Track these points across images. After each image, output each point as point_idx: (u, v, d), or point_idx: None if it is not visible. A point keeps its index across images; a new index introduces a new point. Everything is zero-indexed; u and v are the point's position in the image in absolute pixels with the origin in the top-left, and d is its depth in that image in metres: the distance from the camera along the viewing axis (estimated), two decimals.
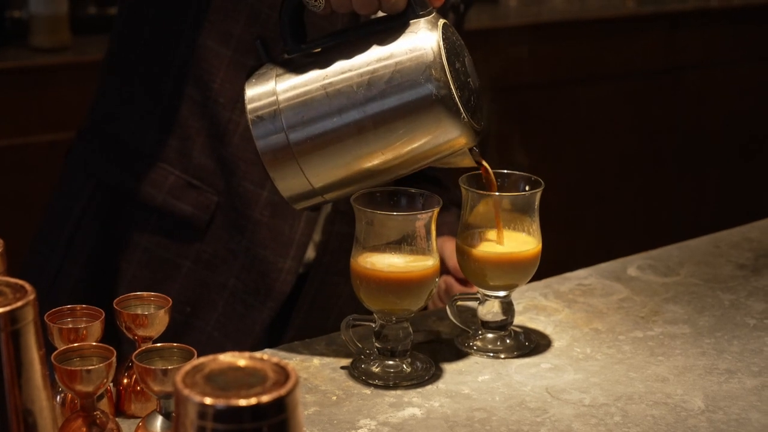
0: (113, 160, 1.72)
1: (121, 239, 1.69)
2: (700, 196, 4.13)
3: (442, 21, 1.31)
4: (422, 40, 1.27)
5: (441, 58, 1.27)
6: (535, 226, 1.42)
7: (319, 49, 1.32)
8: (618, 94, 3.90)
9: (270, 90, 1.31)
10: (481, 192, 1.41)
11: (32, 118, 2.97)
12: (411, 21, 1.29)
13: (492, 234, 1.41)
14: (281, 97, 1.30)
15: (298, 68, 1.31)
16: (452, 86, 1.27)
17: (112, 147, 1.72)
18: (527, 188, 1.43)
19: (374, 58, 1.28)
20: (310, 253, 1.72)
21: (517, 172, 1.45)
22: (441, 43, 1.28)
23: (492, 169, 1.41)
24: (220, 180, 1.66)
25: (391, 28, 1.29)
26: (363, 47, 1.29)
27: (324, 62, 1.30)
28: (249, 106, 1.31)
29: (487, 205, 1.41)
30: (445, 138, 1.29)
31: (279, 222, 1.67)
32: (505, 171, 1.45)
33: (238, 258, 1.67)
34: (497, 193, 1.41)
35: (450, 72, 1.27)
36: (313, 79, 1.30)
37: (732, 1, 4.25)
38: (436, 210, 1.31)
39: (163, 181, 1.67)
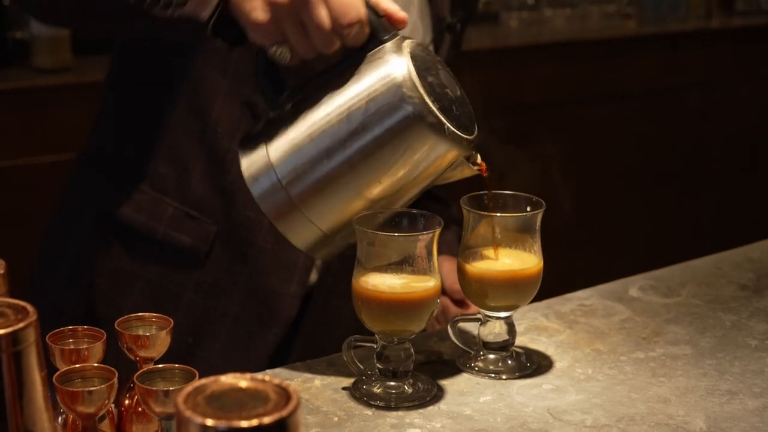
0: (113, 193, 1.71)
1: (122, 270, 1.69)
2: (702, 215, 4.13)
3: (408, 41, 1.33)
4: (389, 64, 1.30)
5: (411, 77, 1.29)
6: (537, 247, 1.42)
7: (299, 97, 1.35)
8: (619, 114, 3.90)
9: (261, 152, 1.34)
10: (482, 213, 1.41)
11: (34, 139, 2.98)
12: (377, 48, 1.31)
13: (493, 253, 1.41)
14: (272, 156, 1.33)
15: (283, 122, 1.34)
16: (428, 101, 1.29)
17: (112, 179, 1.72)
18: (529, 209, 1.43)
19: (348, 93, 1.31)
20: (313, 276, 1.72)
21: (518, 193, 1.45)
22: (408, 62, 1.30)
23: (493, 190, 1.42)
24: (219, 209, 1.66)
25: (359, 60, 1.32)
26: (337, 86, 1.32)
27: (304, 110, 1.33)
28: (246, 173, 1.35)
29: (488, 226, 1.41)
30: (435, 153, 1.31)
31: (282, 248, 1.66)
32: (507, 192, 1.45)
33: (240, 286, 1.67)
34: (498, 214, 1.41)
35: (423, 87, 1.29)
36: (297, 129, 1.33)
37: (732, 21, 4.26)
38: (438, 231, 1.31)
39: (163, 213, 1.67)
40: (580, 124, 3.83)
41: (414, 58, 1.31)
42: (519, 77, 3.68)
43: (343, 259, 1.71)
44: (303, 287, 1.69)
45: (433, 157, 1.31)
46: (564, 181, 3.55)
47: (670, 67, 3.98)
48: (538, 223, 1.42)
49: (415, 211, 1.37)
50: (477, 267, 1.40)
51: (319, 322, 1.74)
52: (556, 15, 4.13)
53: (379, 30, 1.31)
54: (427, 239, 1.31)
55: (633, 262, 2.25)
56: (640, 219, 4.02)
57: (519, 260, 1.41)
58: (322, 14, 1.28)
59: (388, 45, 1.31)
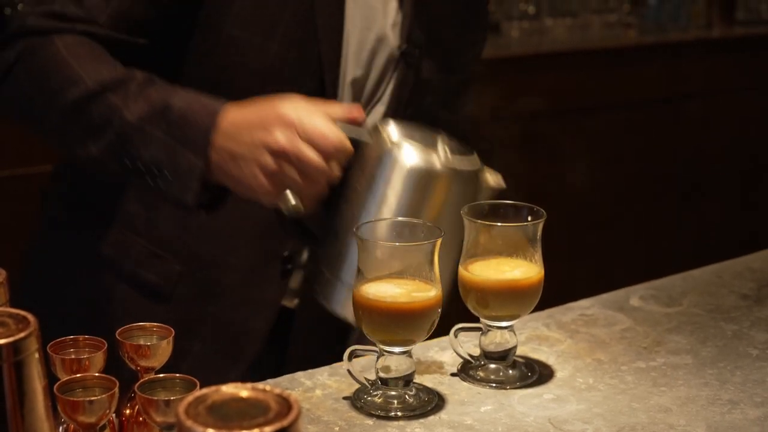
0: (85, 227, 1.72)
1: (93, 301, 1.69)
2: (703, 225, 4.13)
3: (381, 126, 1.45)
4: (375, 143, 1.43)
5: (391, 139, 1.42)
6: (537, 256, 1.42)
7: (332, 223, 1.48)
8: (620, 124, 3.90)
9: (330, 279, 1.47)
10: (484, 222, 1.41)
11: (35, 148, 2.97)
12: (364, 147, 1.43)
13: (495, 263, 1.41)
14: (341, 276, 1.46)
15: (332, 247, 1.48)
16: (415, 148, 1.41)
17: (86, 215, 1.72)
18: (530, 218, 1.43)
19: (371, 196, 1.43)
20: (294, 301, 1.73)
21: (520, 203, 1.45)
22: (384, 128, 1.44)
23: (497, 199, 1.43)
24: (185, 249, 1.66)
25: (361, 167, 1.44)
26: (358, 196, 1.44)
27: (343, 227, 1.45)
28: (330, 307, 1.48)
29: (488, 235, 1.41)
30: (449, 192, 1.43)
31: (250, 286, 1.67)
32: (508, 201, 1.45)
33: (206, 324, 1.67)
34: (500, 224, 1.41)
35: (417, 148, 1.41)
36: (346, 244, 1.45)
37: (733, 30, 4.26)
38: (439, 240, 1.31)
39: (131, 251, 1.67)
40: (581, 134, 3.83)
41: (392, 133, 1.44)
42: (520, 87, 3.68)
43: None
44: (270, 324, 1.69)
45: (449, 196, 1.43)
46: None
47: (671, 77, 3.98)
48: (539, 233, 1.42)
49: (415, 220, 1.37)
50: (478, 276, 1.40)
51: (309, 337, 1.75)
52: (556, 24, 4.14)
53: (358, 136, 1.43)
54: (428, 248, 1.31)
55: (634, 271, 2.25)
56: (641, 228, 4.01)
57: (520, 269, 1.41)
58: (311, 154, 1.38)
59: (372, 140, 1.43)
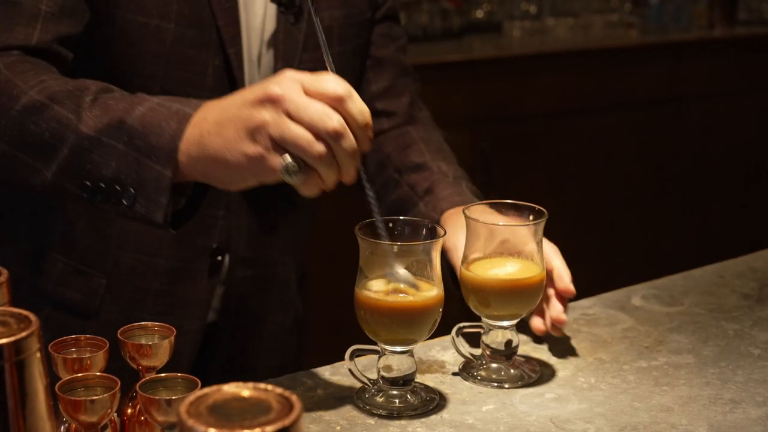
0: (8, 253, 1.67)
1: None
2: (704, 225, 4.13)
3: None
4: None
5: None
6: (539, 256, 1.42)
7: None
8: (621, 124, 3.90)
9: None
10: (485, 222, 1.41)
11: None
12: None
13: (497, 263, 1.41)
14: None
15: None
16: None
17: (6, 238, 1.68)
18: (531, 218, 1.43)
19: None
20: (216, 303, 1.71)
21: (521, 202, 1.45)
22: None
23: (495, 198, 1.42)
24: (107, 260, 1.62)
25: None
26: None
27: None
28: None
29: (491, 235, 1.41)
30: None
31: (179, 287, 1.64)
32: (510, 201, 1.45)
33: None
34: (501, 224, 1.41)
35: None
36: None
37: (735, 31, 4.26)
38: (441, 240, 1.31)
39: (51, 269, 1.63)
40: (582, 134, 3.83)
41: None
42: (521, 87, 3.69)
43: (247, 281, 1.70)
44: (203, 321, 1.67)
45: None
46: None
47: (673, 77, 3.98)
48: (541, 232, 1.42)
49: (417, 219, 1.37)
50: (480, 276, 1.40)
51: (232, 346, 1.74)
52: (558, 24, 4.14)
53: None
54: (429, 248, 1.31)
55: (636, 271, 2.25)
56: (642, 228, 4.01)
57: (522, 269, 1.41)
58: (317, 102, 1.22)
59: None
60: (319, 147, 1.21)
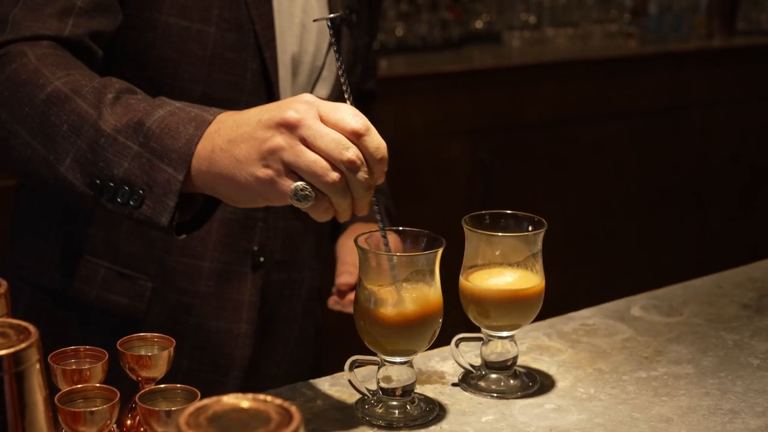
0: (44, 262, 1.67)
1: (62, 343, 1.62)
2: (704, 234, 4.13)
3: None
4: None
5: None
6: (539, 266, 1.42)
7: None
8: (621, 134, 3.91)
9: None
10: (485, 232, 1.41)
11: None
12: None
13: (495, 273, 1.41)
14: None
15: None
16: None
17: (41, 248, 1.68)
18: (531, 228, 1.43)
19: None
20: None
21: (521, 212, 1.45)
22: None
23: (495, 208, 1.42)
24: (152, 264, 1.63)
25: None
26: None
27: None
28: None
29: (490, 245, 1.41)
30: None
31: (226, 289, 1.65)
32: (509, 211, 1.45)
33: (186, 339, 1.64)
34: (501, 234, 1.41)
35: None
36: None
37: (734, 40, 4.27)
38: (440, 250, 1.31)
39: (94, 276, 1.63)
40: (582, 143, 3.83)
41: None
42: (521, 96, 3.69)
43: (281, 285, 1.71)
44: (253, 325, 1.68)
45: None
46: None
47: (672, 87, 3.99)
48: (540, 243, 1.42)
49: (416, 230, 1.37)
50: (479, 286, 1.40)
51: (261, 351, 1.74)
52: (557, 34, 4.15)
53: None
54: (427, 258, 1.31)
55: (635, 281, 2.25)
56: (642, 238, 4.02)
57: (521, 279, 1.41)
58: (334, 131, 1.22)
59: None
60: (334, 175, 1.20)
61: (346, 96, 1.30)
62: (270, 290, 1.72)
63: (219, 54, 1.56)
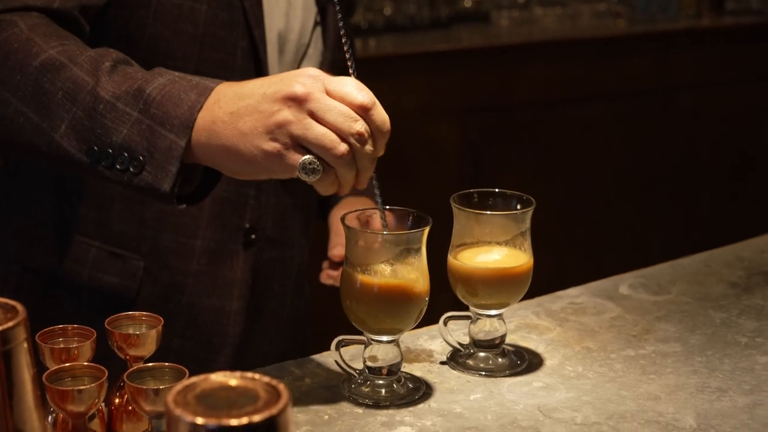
0: (33, 243, 1.66)
1: (52, 324, 1.59)
2: (692, 215, 4.13)
3: None
4: None
5: None
6: (527, 244, 1.42)
7: None
8: (610, 114, 3.90)
9: None
10: (473, 210, 1.41)
11: None
12: None
13: (483, 251, 1.41)
14: None
15: None
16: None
17: (30, 229, 1.67)
18: (519, 207, 1.43)
19: None
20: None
21: (509, 191, 1.45)
22: None
23: (484, 188, 1.42)
24: (144, 243, 1.62)
25: None
26: None
27: None
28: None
29: (478, 223, 1.41)
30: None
31: (218, 267, 1.65)
32: (497, 190, 1.45)
33: (179, 317, 1.64)
34: (489, 212, 1.41)
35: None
36: None
37: (723, 21, 4.26)
38: (427, 229, 1.31)
39: (86, 256, 1.62)
40: (571, 124, 3.83)
41: None
42: (510, 76, 3.69)
43: (272, 262, 1.71)
44: (245, 302, 1.68)
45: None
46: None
47: (661, 67, 3.98)
48: (528, 221, 1.42)
49: (403, 209, 1.37)
50: (467, 265, 1.40)
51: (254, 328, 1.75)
52: (546, 14, 4.13)
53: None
54: (414, 237, 1.31)
55: (624, 261, 2.25)
56: (631, 218, 4.02)
57: (509, 258, 1.41)
58: (341, 104, 1.24)
59: None
60: (343, 148, 1.22)
61: (350, 70, 1.32)
62: (262, 268, 1.72)
63: (210, 32, 1.55)
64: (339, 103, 1.23)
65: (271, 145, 1.22)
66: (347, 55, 1.33)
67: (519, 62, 3.72)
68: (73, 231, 1.63)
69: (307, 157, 1.22)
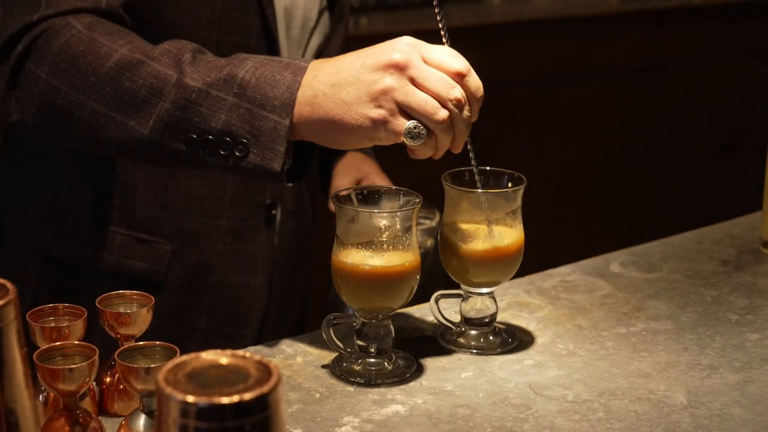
0: (56, 234, 1.65)
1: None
2: (684, 192, 4.14)
3: None
4: None
5: None
6: (518, 222, 1.42)
7: None
8: (601, 92, 3.90)
9: None
10: (464, 189, 1.41)
11: None
12: None
13: (475, 230, 1.41)
14: None
15: None
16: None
17: (51, 219, 1.65)
18: (510, 185, 1.43)
19: None
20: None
21: (500, 169, 1.45)
22: None
23: (477, 165, 1.42)
24: (170, 227, 1.63)
25: None
26: None
27: None
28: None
29: (469, 202, 1.41)
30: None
31: (242, 244, 1.67)
32: (488, 168, 1.45)
33: (206, 296, 1.66)
34: (480, 190, 1.41)
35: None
36: None
37: None
38: (417, 207, 1.31)
39: (112, 243, 1.62)
40: (562, 102, 3.83)
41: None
42: (501, 55, 3.68)
43: (291, 234, 1.72)
44: (269, 276, 1.70)
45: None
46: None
47: (653, 44, 3.98)
48: (520, 199, 1.42)
49: (393, 187, 1.37)
50: (458, 243, 1.40)
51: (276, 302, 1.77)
52: None
53: None
54: (405, 215, 1.31)
55: (616, 239, 2.25)
56: (622, 196, 4.02)
57: (501, 236, 1.41)
58: (439, 72, 1.28)
59: None
60: (443, 113, 1.27)
61: (444, 39, 1.37)
62: (283, 240, 1.75)
63: (227, 15, 1.56)
64: (437, 70, 1.27)
65: (377, 112, 1.27)
66: (440, 25, 1.37)
67: (511, 40, 3.71)
68: (97, 219, 1.63)
69: (411, 122, 1.27)
